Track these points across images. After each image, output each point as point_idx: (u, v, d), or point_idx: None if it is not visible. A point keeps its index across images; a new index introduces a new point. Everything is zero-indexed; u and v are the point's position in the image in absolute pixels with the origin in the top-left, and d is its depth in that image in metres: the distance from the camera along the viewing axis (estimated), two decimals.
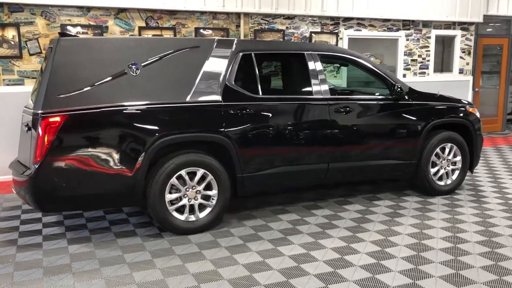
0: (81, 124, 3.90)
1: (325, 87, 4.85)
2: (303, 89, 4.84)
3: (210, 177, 4.32)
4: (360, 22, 8.71)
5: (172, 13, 7.22)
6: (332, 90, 5.33)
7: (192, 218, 4.32)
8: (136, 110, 4.04)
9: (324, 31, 8.41)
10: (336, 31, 8.51)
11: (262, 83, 4.63)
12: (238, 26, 7.70)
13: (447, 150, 5.50)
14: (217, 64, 4.44)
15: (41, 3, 6.40)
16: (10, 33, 6.37)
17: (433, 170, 5.45)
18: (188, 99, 4.24)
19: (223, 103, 4.35)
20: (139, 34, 7.03)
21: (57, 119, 3.81)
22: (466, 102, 5.73)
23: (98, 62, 4.07)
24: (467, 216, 4.79)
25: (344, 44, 8.56)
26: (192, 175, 4.27)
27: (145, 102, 4.08)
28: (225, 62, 4.47)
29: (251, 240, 4.16)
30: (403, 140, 5.21)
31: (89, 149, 3.90)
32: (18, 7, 6.39)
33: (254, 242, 4.11)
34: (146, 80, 4.16)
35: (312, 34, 8.29)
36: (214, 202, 4.38)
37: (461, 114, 5.56)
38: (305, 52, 4.88)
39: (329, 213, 4.91)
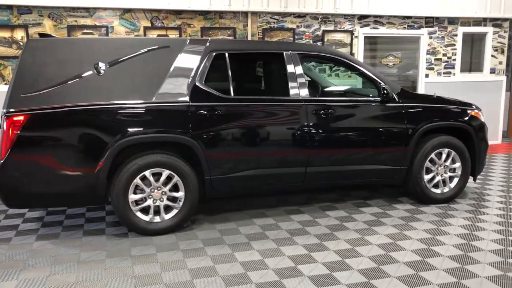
0: (44, 123, 3.96)
1: (303, 88, 4.67)
2: (279, 90, 4.68)
3: (176, 178, 4.28)
4: (378, 20, 8.35)
5: (177, 13, 7.24)
6: (316, 91, 5.12)
7: (157, 219, 4.29)
8: (98, 110, 4.05)
9: (338, 29, 8.13)
10: (351, 29, 8.21)
11: (234, 84, 4.53)
12: (245, 25, 7.61)
13: (444, 156, 5.14)
14: (187, 64, 4.38)
15: (48, 5, 6.62)
16: (19, 34, 6.64)
17: (427, 177, 5.11)
18: (153, 99, 4.21)
19: (190, 104, 4.28)
20: (144, 34, 7.12)
21: (21, 118, 3.90)
22: (470, 105, 5.33)
23: (64, 62, 4.12)
24: (453, 228, 4.45)
25: (359, 43, 8.24)
26: (158, 176, 4.24)
27: (108, 102, 4.09)
28: (195, 62, 4.41)
29: (211, 244, 4.07)
30: (391, 144, 4.92)
31: (51, 148, 3.96)
32: (27, 9, 6.64)
33: (212, 246, 4.02)
34: (111, 80, 4.17)
35: (325, 33, 8.04)
36: (180, 204, 4.33)
37: (461, 118, 5.17)
38: (284, 52, 4.72)
39: (307, 218, 4.72)
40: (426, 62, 8.77)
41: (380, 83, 4.91)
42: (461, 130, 5.22)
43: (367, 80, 5.04)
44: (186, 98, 4.29)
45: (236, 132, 4.42)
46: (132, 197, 4.18)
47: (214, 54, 4.49)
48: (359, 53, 8.22)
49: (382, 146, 4.90)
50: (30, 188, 3.97)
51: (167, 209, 4.35)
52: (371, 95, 4.95)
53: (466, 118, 5.19)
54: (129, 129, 4.11)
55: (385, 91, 4.82)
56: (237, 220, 4.70)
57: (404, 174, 5.07)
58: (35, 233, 4.38)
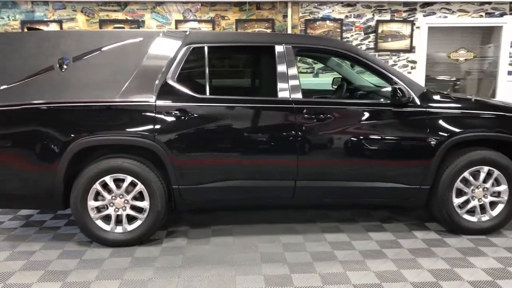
0: (1, 121, 3.77)
1: (296, 87, 3.94)
2: (266, 90, 4.01)
3: (140, 186, 3.85)
4: (446, 7, 7.12)
5: (211, 4, 6.82)
6: (314, 91, 4.35)
7: (119, 229, 3.91)
8: (54, 108, 3.76)
9: (396, 19, 7.08)
10: (412, 18, 7.10)
11: (212, 82, 3.96)
12: (285, 16, 6.94)
13: (482, 176, 4.06)
14: (158, 59, 3.91)
15: None
16: (54, 29, 6.72)
17: (458, 201, 4.07)
18: (117, 97, 3.81)
19: (156, 103, 3.81)
20: (176, 28, 6.81)
21: None
22: None
23: (29, 58, 3.89)
24: (474, 271, 3.43)
25: (422, 35, 7.10)
26: (121, 182, 3.86)
27: (67, 99, 3.78)
28: (169, 56, 3.92)
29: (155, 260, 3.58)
30: (406, 158, 3.99)
31: (7, 148, 3.76)
32: (61, 5, 6.69)
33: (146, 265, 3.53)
34: (74, 76, 3.86)
35: (379, 24, 7.05)
36: (145, 214, 3.90)
37: (510, 128, 4.04)
38: (276, 45, 4.02)
39: (292, 241, 4.01)
40: (510, 57, 7.31)
41: (395, 82, 4.00)
42: (510, 144, 4.09)
43: (382, 78, 4.14)
44: (153, 97, 3.82)
45: (209, 137, 3.86)
46: (92, 203, 3.84)
47: (191, 47, 3.96)
48: (421, 47, 7.09)
49: (394, 160, 3.99)
50: None
51: (133, 219, 3.94)
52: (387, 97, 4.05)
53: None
54: (85, 130, 3.76)
55: (400, 92, 3.89)
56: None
57: (425, 195, 4.09)
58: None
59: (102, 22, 6.71)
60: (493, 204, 4.14)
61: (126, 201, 3.88)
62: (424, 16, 7.04)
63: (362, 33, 7.05)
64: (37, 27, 6.40)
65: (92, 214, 3.86)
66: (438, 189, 4.05)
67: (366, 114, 3.97)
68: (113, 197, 3.86)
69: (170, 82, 3.87)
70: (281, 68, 3.96)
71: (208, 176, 3.90)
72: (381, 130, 3.96)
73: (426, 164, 3.99)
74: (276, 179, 3.96)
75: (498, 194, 4.12)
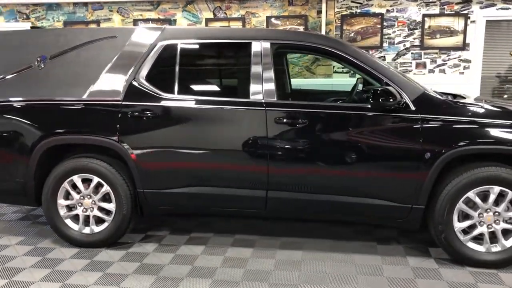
0: None
1: (270, 87, 3.57)
2: (238, 90, 3.68)
3: (106, 187, 3.75)
4: None
5: (242, 1, 6.58)
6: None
7: (87, 230, 3.85)
8: (26, 106, 3.79)
9: (446, 12, 6.28)
10: (465, 11, 6.25)
11: (182, 81, 3.72)
12: (320, 12, 6.48)
13: (492, 197, 3.36)
14: (129, 57, 3.78)
15: (118, 0, 6.76)
16: None
17: (460, 225, 3.42)
18: (85, 96, 3.75)
19: (122, 103, 3.68)
20: (206, 26, 6.68)
21: None
22: None
23: (11, 55, 3.97)
24: None
25: (478, 30, 6.22)
26: (89, 183, 3.79)
27: (38, 98, 3.80)
28: (140, 54, 3.77)
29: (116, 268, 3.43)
30: (393, 172, 3.43)
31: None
32: (99, 5, 6.90)
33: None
34: (50, 74, 3.86)
35: (425, 18, 6.29)
36: (111, 217, 3.79)
37: None
38: (252, 42, 3.68)
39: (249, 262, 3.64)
40: None
41: (386, 83, 3.46)
42: None
43: (372, 79, 3.61)
44: (119, 96, 3.70)
45: (175, 139, 3.64)
46: (61, 202, 3.82)
47: (164, 44, 3.77)
48: (477, 44, 6.21)
49: (378, 173, 3.45)
50: None
51: (101, 221, 3.86)
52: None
53: None
54: (54, 129, 3.75)
55: (386, 95, 3.34)
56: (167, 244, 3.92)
57: (419, 216, 3.49)
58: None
59: (136, 22, 6.80)
60: (508, 233, 3.42)
61: (93, 202, 3.80)
62: (481, 8, 6.14)
63: (406, 28, 6.34)
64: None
65: (62, 212, 3.84)
66: (434, 210, 3.43)
67: (346, 120, 3.48)
68: (81, 197, 3.81)
69: (139, 81, 3.72)
70: (255, 67, 3.62)
71: (173, 180, 3.69)
72: (361, 138, 3.45)
73: (418, 180, 3.40)
74: (246, 188, 3.63)
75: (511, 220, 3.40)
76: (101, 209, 3.81)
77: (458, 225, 3.43)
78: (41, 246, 3.90)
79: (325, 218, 3.71)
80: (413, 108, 3.41)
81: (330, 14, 6.46)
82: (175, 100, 3.66)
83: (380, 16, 6.32)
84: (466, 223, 3.43)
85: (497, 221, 3.39)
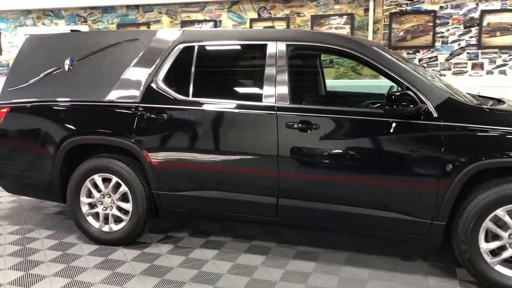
0: (16, 116, 4.12)
1: (283, 90, 3.44)
2: (252, 93, 3.57)
3: (124, 187, 3.83)
4: None
5: (286, 1, 6.45)
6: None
7: (106, 228, 3.95)
8: (52, 106, 3.96)
9: (508, 8, 5.72)
10: None
11: (198, 83, 3.69)
12: (367, 9, 6.18)
13: None
14: (149, 59, 3.82)
15: (166, 2, 6.91)
16: None
17: (488, 246, 3.07)
18: (106, 98, 3.84)
19: (140, 105, 3.73)
20: (250, 27, 6.63)
21: (4, 110, 4.17)
22: None
23: (46, 58, 4.17)
24: None
25: None
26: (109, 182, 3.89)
27: (65, 99, 3.95)
28: (159, 56, 3.80)
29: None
30: (410, 183, 3.17)
31: (19, 140, 4.09)
32: (150, 8, 7.09)
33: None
34: (76, 76, 4.00)
35: (484, 14, 5.78)
36: (129, 216, 3.86)
37: None
38: (268, 43, 3.56)
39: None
40: None
41: (406, 87, 3.20)
42: None
43: (393, 82, 3.35)
44: (137, 98, 3.75)
45: (187, 142, 3.63)
46: (83, 200, 3.95)
47: (182, 47, 3.77)
48: None
49: (394, 184, 3.20)
50: (6, 172, 4.19)
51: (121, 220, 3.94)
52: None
53: None
54: (77, 129, 3.88)
55: (410, 100, 3.08)
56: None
57: (440, 233, 3.19)
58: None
59: (183, 23, 6.90)
60: None
61: (112, 201, 3.89)
62: None
63: (462, 26, 5.86)
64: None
65: (84, 210, 3.97)
66: (457, 227, 3.11)
67: (357, 126, 3.26)
68: (102, 196, 3.91)
69: (156, 83, 3.74)
70: (269, 69, 3.50)
71: (186, 183, 3.68)
72: (374, 146, 3.22)
73: (438, 194, 3.10)
74: (257, 194, 3.52)
75: None
76: (119, 208, 3.89)
77: (485, 246, 3.08)
78: (65, 241, 4.06)
79: (340, 229, 3.49)
80: (435, 114, 3.11)
81: (378, 12, 6.14)
82: (188, 102, 3.64)
83: (432, 13, 5.90)
84: (494, 244, 3.08)
85: None
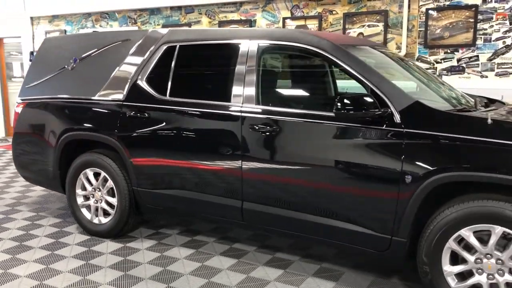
0: (29, 111, 4.45)
1: (250, 91, 3.34)
2: (221, 92, 3.50)
3: (110, 182, 3.98)
4: None
5: None
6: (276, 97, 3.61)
7: (96, 221, 4.13)
8: (56, 103, 4.22)
9: None
10: None
11: (174, 82, 3.71)
12: (402, 6, 5.76)
13: (493, 240, 2.60)
14: (136, 59, 3.92)
15: (206, 3, 7.03)
16: None
17: (452, 269, 2.73)
18: (96, 96, 4.01)
19: (124, 103, 3.85)
20: (283, 26, 6.52)
21: (21, 105, 4.54)
22: None
23: (57, 57, 4.45)
24: None
25: None
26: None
27: (65, 96, 4.19)
28: (144, 56, 3.89)
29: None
30: (365, 194, 2.91)
31: (31, 133, 4.42)
32: (191, 9, 7.27)
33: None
34: (76, 74, 4.23)
35: None
36: (114, 210, 4.01)
37: None
38: (242, 42, 3.48)
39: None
40: None
41: (370, 89, 2.94)
42: None
43: (360, 84, 3.09)
44: (121, 97, 3.88)
45: (161, 141, 3.68)
46: (78, 192, 4.18)
47: (165, 47, 3.82)
48: None
49: (349, 194, 2.97)
50: (22, 161, 4.56)
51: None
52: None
53: None
54: (70, 125, 4.11)
55: (369, 103, 2.84)
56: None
57: (401, 250, 2.89)
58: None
59: (221, 23, 6.96)
60: None
61: (101, 195, 4.07)
62: None
63: (507, 22, 5.22)
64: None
65: (79, 201, 4.19)
66: (420, 246, 2.81)
67: (311, 130, 3.08)
68: (93, 189, 4.11)
69: (139, 82, 3.84)
70: (239, 70, 3.42)
71: (162, 182, 3.73)
72: (330, 151, 3.01)
73: (397, 208, 2.82)
74: (224, 197, 3.47)
75: None
76: (108, 203, 4.05)
77: (449, 269, 2.74)
78: (65, 230, 4.32)
79: (310, 238, 3.26)
80: (398, 120, 2.83)
81: (414, 8, 5.69)
82: (165, 101, 3.69)
83: (474, 8, 5.33)
84: (458, 268, 2.73)
85: (501, 272, 2.62)
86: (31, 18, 9.11)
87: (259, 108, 3.29)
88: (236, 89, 3.39)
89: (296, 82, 4.09)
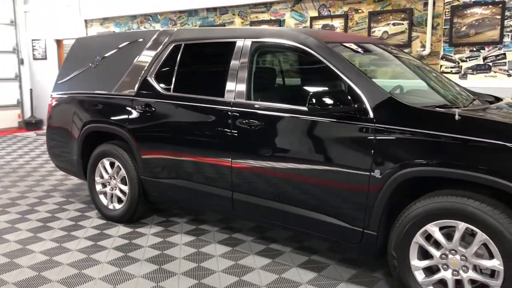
0: (59, 105, 4.89)
1: (241, 87, 3.50)
2: (217, 88, 3.68)
3: (122, 171, 4.30)
4: None
5: None
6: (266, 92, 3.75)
7: (111, 207, 4.47)
8: (76, 98, 4.62)
9: None
10: None
11: (177, 78, 3.96)
12: (426, 3, 5.66)
13: (457, 236, 2.60)
14: (146, 57, 4.21)
15: (239, 4, 7.26)
16: None
17: (419, 264, 2.76)
18: (113, 91, 4.35)
19: (134, 98, 4.15)
20: (311, 25, 6.60)
21: (53, 99, 5.00)
22: None
23: (84, 56, 4.85)
24: None
25: None
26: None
27: (87, 91, 4.57)
28: (153, 54, 4.17)
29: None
30: (338, 187, 2.99)
31: (61, 125, 4.85)
32: (225, 10, 7.53)
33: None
34: (97, 72, 4.60)
35: None
36: (126, 198, 4.32)
37: (506, 166, 2.43)
38: (237, 40, 3.66)
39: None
40: None
41: (347, 86, 3.02)
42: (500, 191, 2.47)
43: (340, 81, 3.16)
44: (133, 92, 4.18)
45: (162, 133, 3.95)
46: (97, 179, 4.54)
47: (172, 46, 4.07)
48: None
49: (323, 186, 3.06)
50: (55, 152, 5.01)
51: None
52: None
53: None
54: (90, 118, 4.48)
55: (342, 99, 2.91)
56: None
57: (373, 244, 2.94)
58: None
59: (252, 23, 7.14)
60: (483, 286, 2.60)
61: (116, 183, 4.40)
62: None
63: None
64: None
65: (98, 188, 4.56)
66: (389, 240, 2.85)
67: (291, 123, 3.19)
68: (109, 178, 4.45)
69: (148, 78, 4.12)
70: (233, 67, 3.60)
71: (162, 171, 3.99)
72: (305, 145, 3.12)
73: (368, 202, 2.88)
74: (217, 187, 3.66)
75: (492, 272, 2.55)
76: (121, 190, 4.38)
77: (416, 264, 2.77)
78: (86, 215, 4.69)
79: (293, 229, 3.37)
80: (371, 115, 2.88)
81: (439, 5, 5.56)
82: (168, 96, 3.94)
83: (501, 5, 5.13)
84: (425, 263, 2.74)
85: (465, 268, 2.61)
86: (85, 20, 9.81)
87: (248, 103, 3.45)
88: (229, 85, 3.57)
89: (284, 78, 4.23)
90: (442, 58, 5.60)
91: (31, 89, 11.34)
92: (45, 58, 10.92)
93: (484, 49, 5.34)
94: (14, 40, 11.29)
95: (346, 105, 2.90)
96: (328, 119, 3.01)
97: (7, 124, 11.18)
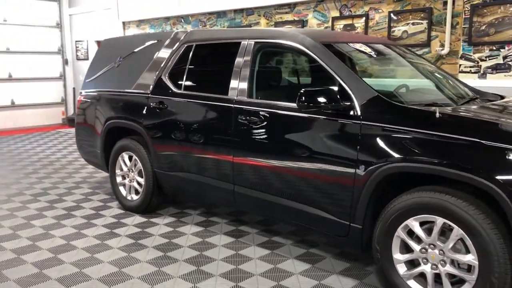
0: (86, 102, 5.24)
1: (243, 85, 3.68)
2: (222, 87, 3.86)
3: (139, 164, 4.58)
4: None
5: None
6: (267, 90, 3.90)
7: (129, 197, 4.76)
8: (100, 95, 4.94)
9: None
10: None
11: (188, 78, 4.18)
12: (446, 2, 5.63)
13: (435, 230, 2.67)
14: (162, 57, 4.46)
15: (264, 5, 7.44)
16: None
17: (401, 257, 2.84)
18: (131, 89, 4.63)
19: (150, 96, 4.41)
20: (332, 25, 6.68)
21: (81, 96, 5.36)
22: None
23: (110, 56, 5.18)
24: None
25: None
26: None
27: (110, 89, 4.89)
28: (168, 54, 4.42)
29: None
30: (325, 181, 3.11)
31: (87, 120, 5.20)
32: (251, 11, 7.73)
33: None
34: (119, 71, 4.90)
35: None
36: (142, 189, 4.60)
37: (480, 164, 2.47)
38: (242, 41, 3.83)
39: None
40: None
41: (338, 84, 3.14)
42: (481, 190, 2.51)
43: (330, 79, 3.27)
44: (148, 90, 4.44)
45: (172, 129, 4.19)
46: (117, 172, 4.85)
47: (185, 46, 4.31)
48: None
49: (313, 182, 3.19)
50: (83, 147, 5.38)
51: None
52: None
53: (495, 165, 2.43)
54: (111, 114, 4.79)
55: (330, 97, 3.04)
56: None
57: (359, 237, 3.04)
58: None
59: (276, 24, 7.29)
60: (460, 282, 2.65)
61: (133, 175, 4.69)
62: None
63: None
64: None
65: (118, 180, 4.86)
66: (373, 234, 2.95)
67: (283, 120, 3.34)
68: (128, 170, 4.75)
69: (163, 77, 4.38)
70: (237, 66, 3.78)
71: (173, 165, 4.23)
72: (298, 141, 3.26)
73: (353, 196, 2.99)
74: (221, 180, 3.86)
75: (468, 267, 2.61)
76: (138, 182, 4.66)
77: (398, 257, 2.85)
78: (108, 205, 5.01)
79: (289, 221, 3.52)
80: (358, 113, 2.99)
81: (459, 4, 5.49)
82: (178, 94, 4.17)
83: None
84: (405, 256, 2.82)
85: (443, 262, 2.67)
86: (123, 23, 10.28)
87: (249, 100, 3.62)
88: (233, 83, 3.76)
89: (284, 77, 4.37)
90: (461, 58, 5.55)
91: (74, 88, 11.98)
92: (87, 59, 11.51)
93: (504, 48, 5.26)
94: (59, 42, 11.96)
95: (335, 103, 3.01)
96: (318, 116, 3.13)
97: (51, 120, 11.85)
